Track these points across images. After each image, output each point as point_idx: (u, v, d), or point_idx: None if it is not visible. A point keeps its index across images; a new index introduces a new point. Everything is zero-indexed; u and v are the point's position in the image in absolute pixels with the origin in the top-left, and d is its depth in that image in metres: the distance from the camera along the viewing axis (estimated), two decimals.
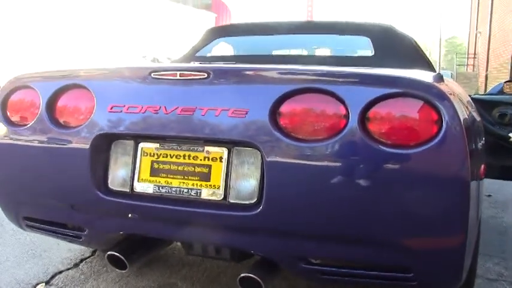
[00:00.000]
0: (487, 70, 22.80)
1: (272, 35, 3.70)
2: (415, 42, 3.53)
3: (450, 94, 1.92)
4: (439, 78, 2.01)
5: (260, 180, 2.00)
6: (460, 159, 1.84)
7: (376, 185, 1.88)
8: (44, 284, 2.83)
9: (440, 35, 29.23)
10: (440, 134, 1.83)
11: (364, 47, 3.43)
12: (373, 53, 3.28)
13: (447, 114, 1.83)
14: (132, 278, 2.93)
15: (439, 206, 1.88)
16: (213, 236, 2.12)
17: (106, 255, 2.26)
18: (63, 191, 2.27)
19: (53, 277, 2.93)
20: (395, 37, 3.44)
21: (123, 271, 2.31)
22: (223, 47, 3.63)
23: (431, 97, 1.86)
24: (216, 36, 3.78)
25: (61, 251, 3.29)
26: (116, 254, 2.23)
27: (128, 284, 2.86)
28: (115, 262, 2.27)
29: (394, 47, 3.34)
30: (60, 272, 3.00)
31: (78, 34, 17.97)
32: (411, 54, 3.31)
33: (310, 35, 3.72)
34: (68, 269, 3.04)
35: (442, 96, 1.87)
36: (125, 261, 2.22)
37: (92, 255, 3.25)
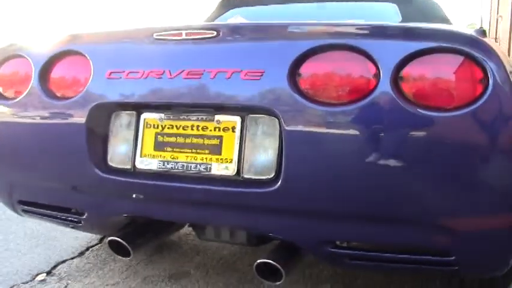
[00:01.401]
0: (509, 55, 22.35)
1: (291, 3, 3.42)
2: (442, 10, 3.24)
3: (496, 49, 1.63)
4: (482, 33, 1.73)
5: (278, 152, 1.74)
6: (510, 124, 1.56)
7: (412, 155, 1.61)
8: (44, 274, 2.61)
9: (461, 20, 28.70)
10: (486, 95, 1.56)
11: (391, 14, 3.13)
12: (400, 20, 3.00)
13: (494, 72, 1.56)
14: (141, 266, 2.70)
15: (486, 179, 1.61)
16: (226, 216, 1.87)
17: (107, 241, 2.01)
18: (59, 170, 2.03)
19: (55, 267, 2.71)
20: (423, 3, 3.15)
21: (127, 258, 2.06)
22: (238, 20, 3.36)
23: (475, 52, 1.59)
24: (230, 7, 3.52)
25: (67, 239, 3.08)
26: (117, 239, 1.98)
27: (136, 273, 2.62)
28: (118, 249, 2.04)
29: (422, 13, 3.05)
30: (64, 261, 2.78)
31: None
32: (440, 21, 3.02)
33: (333, 2, 3.43)
34: (73, 258, 2.82)
35: (488, 51, 1.59)
36: (128, 247, 1.98)
37: (100, 242, 3.02)
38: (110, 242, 2.01)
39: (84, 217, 2.11)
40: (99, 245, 2.99)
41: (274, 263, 1.78)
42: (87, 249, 2.93)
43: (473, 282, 2.22)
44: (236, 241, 2.13)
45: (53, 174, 2.05)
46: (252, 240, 2.09)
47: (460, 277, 2.18)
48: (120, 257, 2.06)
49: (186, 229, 3.04)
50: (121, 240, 1.98)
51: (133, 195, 1.93)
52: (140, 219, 2.13)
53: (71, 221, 2.21)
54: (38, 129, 2.03)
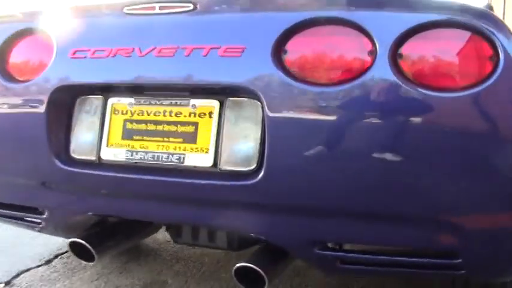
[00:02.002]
0: None
1: None
2: None
3: (505, 25, 1.43)
4: (490, 7, 1.52)
5: (261, 140, 1.53)
6: None
7: (414, 142, 1.40)
8: (2, 284, 2.35)
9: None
10: (496, 73, 1.37)
11: None
12: None
13: (505, 48, 1.38)
14: (114, 275, 2.46)
15: (498, 169, 1.40)
16: (202, 215, 1.65)
17: (68, 243, 1.77)
18: (15, 162, 1.81)
19: (17, 276, 2.45)
20: None
21: (90, 263, 1.82)
22: None
23: (484, 26, 1.38)
24: None
25: (35, 246, 2.82)
26: (79, 241, 1.75)
27: (107, 282, 2.39)
28: (81, 253, 1.80)
29: None
30: (28, 270, 2.52)
31: None
32: None
33: None
34: (38, 267, 2.58)
35: (498, 26, 1.39)
36: (92, 250, 1.75)
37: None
38: (72, 244, 1.77)
39: (45, 216, 1.88)
40: (69, 252, 2.73)
41: (255, 267, 1.55)
42: (56, 257, 2.70)
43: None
44: (216, 245, 1.91)
45: (9, 166, 1.82)
46: (233, 243, 1.87)
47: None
48: (84, 262, 1.83)
49: (166, 235, 2.81)
50: (83, 242, 1.75)
51: (101, 191, 1.70)
52: (108, 219, 1.89)
53: (30, 221, 1.97)
54: None
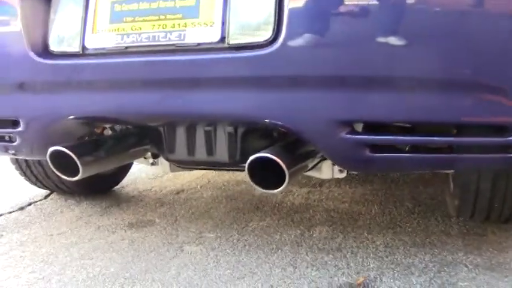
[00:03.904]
0: None
1: None
2: None
3: None
4: None
5: (277, 3, 1.28)
6: None
7: None
8: None
9: None
10: None
11: None
12: None
13: None
14: (95, 217, 2.22)
15: None
16: (206, 100, 1.40)
17: (48, 153, 1.51)
18: None
19: None
20: None
21: (74, 179, 1.56)
22: None
23: None
24: None
25: (3, 195, 2.53)
26: (61, 149, 1.49)
27: (88, 223, 2.15)
28: (62, 166, 1.53)
29: None
30: (0, 215, 2.23)
31: None
32: None
33: None
34: (10, 213, 2.30)
35: None
36: (76, 159, 1.48)
37: (45, 198, 2.49)
38: (52, 154, 1.51)
39: (20, 129, 1.62)
40: (43, 200, 2.48)
41: (274, 158, 1.32)
42: (30, 204, 2.43)
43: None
44: (215, 159, 1.67)
45: None
46: (235, 155, 1.63)
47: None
48: (65, 177, 1.56)
49: (147, 185, 2.58)
50: (66, 151, 1.49)
51: (85, 86, 1.45)
52: (91, 126, 1.64)
53: (3, 140, 1.70)
54: None
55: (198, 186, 2.66)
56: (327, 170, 1.78)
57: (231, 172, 2.84)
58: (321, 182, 2.62)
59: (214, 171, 2.85)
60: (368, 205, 2.27)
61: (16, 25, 1.49)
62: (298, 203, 2.31)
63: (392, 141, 1.35)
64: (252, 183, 1.39)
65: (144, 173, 2.95)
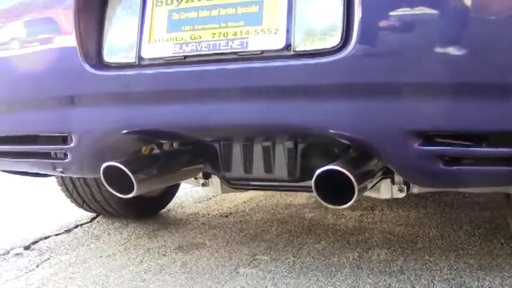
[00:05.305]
0: None
1: None
2: None
3: None
4: None
5: (345, 6, 1.21)
6: None
7: None
8: (22, 248, 2.03)
9: None
10: None
11: None
12: None
13: None
14: (144, 239, 2.15)
15: None
16: (269, 110, 1.33)
17: (102, 168, 1.45)
18: (38, 75, 1.49)
19: (35, 242, 2.12)
20: None
21: (128, 196, 1.49)
22: None
23: None
24: None
25: (49, 217, 2.49)
26: (115, 164, 1.42)
27: (137, 245, 2.08)
28: (115, 183, 1.46)
29: None
30: (47, 238, 2.20)
31: None
32: None
33: None
34: (57, 235, 2.25)
35: None
36: (131, 175, 1.41)
37: (91, 221, 2.44)
38: (106, 170, 1.45)
39: (72, 145, 1.56)
40: (90, 223, 2.42)
41: (343, 171, 1.23)
42: (76, 226, 2.38)
43: None
44: (273, 177, 1.59)
45: (28, 81, 1.52)
46: (294, 172, 1.55)
47: None
48: (119, 194, 1.50)
49: (194, 208, 2.51)
50: (121, 166, 1.42)
51: (141, 97, 1.40)
52: (141, 142, 1.59)
53: (53, 158, 1.66)
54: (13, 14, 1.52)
55: (247, 210, 2.58)
56: (386, 190, 1.68)
57: (279, 195, 2.77)
58: (373, 206, 2.53)
59: (262, 195, 2.77)
60: (425, 228, 2.16)
61: (70, 37, 1.44)
62: (352, 226, 2.22)
63: (469, 153, 1.25)
64: (317, 197, 1.30)
65: (190, 197, 2.89)
